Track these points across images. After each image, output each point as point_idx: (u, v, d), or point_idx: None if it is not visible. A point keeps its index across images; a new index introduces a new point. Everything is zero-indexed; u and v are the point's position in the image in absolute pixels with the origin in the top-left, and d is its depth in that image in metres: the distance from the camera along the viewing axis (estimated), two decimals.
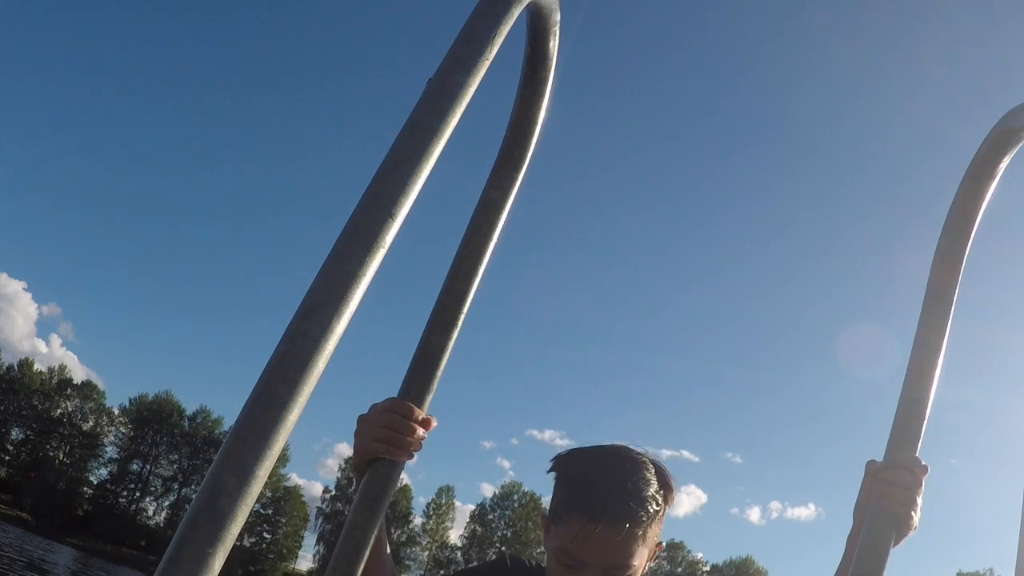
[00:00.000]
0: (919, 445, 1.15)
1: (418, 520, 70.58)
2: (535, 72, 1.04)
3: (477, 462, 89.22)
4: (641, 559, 1.48)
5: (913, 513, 1.21)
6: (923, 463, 1.17)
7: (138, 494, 71.55)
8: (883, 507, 1.13)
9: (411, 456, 1.17)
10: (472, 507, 73.35)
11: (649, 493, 1.49)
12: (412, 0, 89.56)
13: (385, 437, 1.15)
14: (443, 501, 71.28)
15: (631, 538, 1.44)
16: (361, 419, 1.23)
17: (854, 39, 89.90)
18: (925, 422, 1.15)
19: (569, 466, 1.55)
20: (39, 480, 65.93)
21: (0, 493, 63.86)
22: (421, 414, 1.13)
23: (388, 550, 1.51)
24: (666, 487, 1.54)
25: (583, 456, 1.55)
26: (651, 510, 1.48)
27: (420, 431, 1.17)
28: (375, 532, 1.03)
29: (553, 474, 1.56)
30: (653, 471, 1.53)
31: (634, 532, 1.44)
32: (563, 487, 1.52)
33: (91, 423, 70.78)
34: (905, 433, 1.15)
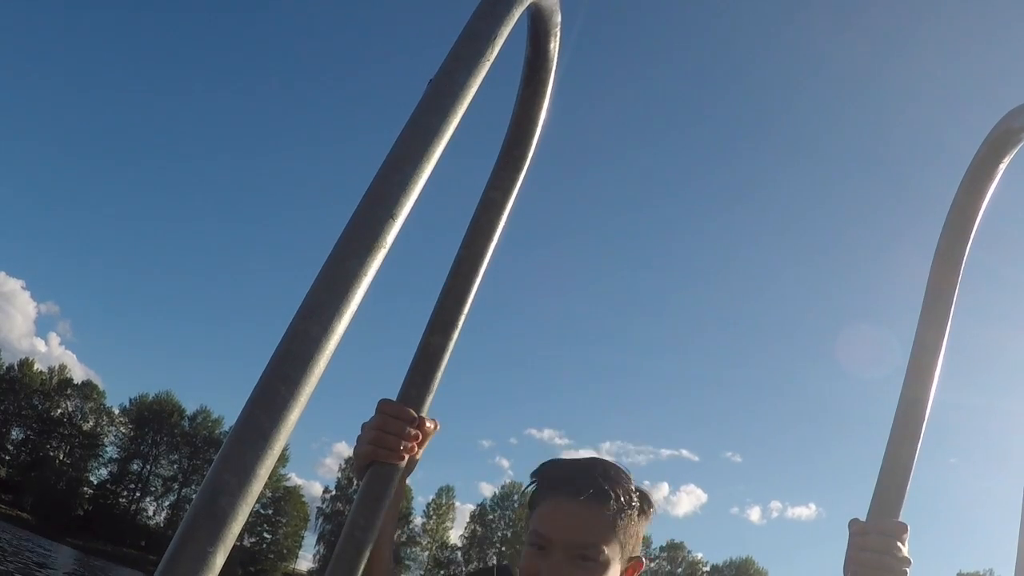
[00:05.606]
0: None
1: (418, 520, 70.62)
2: (536, 73, 1.04)
3: (476, 461, 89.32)
4: (611, 549, 1.42)
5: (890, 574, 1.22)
6: (902, 525, 1.19)
7: (138, 494, 71.54)
8: (859, 573, 1.17)
9: (402, 458, 1.14)
10: (471, 507, 73.54)
11: (621, 482, 1.47)
12: (413, 0, 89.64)
13: (374, 439, 1.14)
14: (443, 501, 71.29)
15: (598, 516, 1.41)
16: (363, 425, 1.22)
17: (854, 39, 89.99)
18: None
19: (545, 466, 1.55)
20: (39, 480, 65.89)
21: (0, 493, 63.85)
22: (413, 414, 1.12)
23: (390, 551, 1.50)
24: (643, 495, 1.51)
25: (559, 459, 1.58)
26: (622, 497, 1.44)
27: (413, 432, 1.15)
28: (375, 533, 1.03)
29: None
30: (630, 478, 1.51)
31: (601, 510, 1.41)
32: (540, 484, 1.53)
33: (91, 423, 70.73)
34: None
